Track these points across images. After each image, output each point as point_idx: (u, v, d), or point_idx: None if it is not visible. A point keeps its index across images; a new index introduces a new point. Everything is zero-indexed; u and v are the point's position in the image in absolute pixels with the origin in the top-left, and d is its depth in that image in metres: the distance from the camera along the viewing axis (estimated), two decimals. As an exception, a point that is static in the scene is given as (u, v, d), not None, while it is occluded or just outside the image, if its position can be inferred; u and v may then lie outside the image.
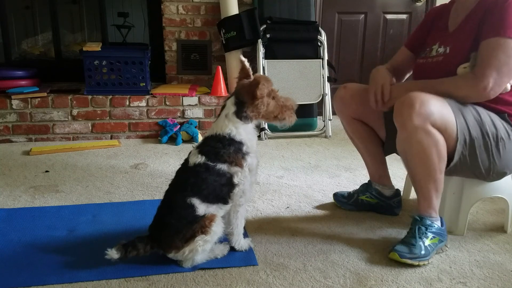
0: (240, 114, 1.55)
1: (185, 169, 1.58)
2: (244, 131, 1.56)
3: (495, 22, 1.54)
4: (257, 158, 1.62)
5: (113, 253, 1.47)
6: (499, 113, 1.64)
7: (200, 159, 1.53)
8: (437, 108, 1.52)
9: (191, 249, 1.49)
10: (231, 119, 1.55)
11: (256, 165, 1.62)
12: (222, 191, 1.54)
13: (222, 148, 1.52)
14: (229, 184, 1.54)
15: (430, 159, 1.56)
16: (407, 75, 1.98)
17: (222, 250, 1.62)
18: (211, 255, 1.58)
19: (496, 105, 1.63)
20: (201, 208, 1.51)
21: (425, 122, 1.51)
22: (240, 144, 1.54)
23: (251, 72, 1.60)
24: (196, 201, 1.50)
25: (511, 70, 1.54)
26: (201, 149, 1.56)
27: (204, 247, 1.50)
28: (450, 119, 1.54)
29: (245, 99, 1.54)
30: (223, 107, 1.60)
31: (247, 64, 1.61)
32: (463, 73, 1.61)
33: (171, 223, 1.50)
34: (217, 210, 1.54)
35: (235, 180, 1.54)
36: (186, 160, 1.59)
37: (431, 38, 1.81)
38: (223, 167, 1.52)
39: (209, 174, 1.51)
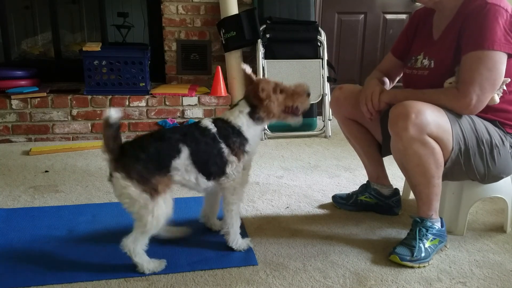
0: (254, 115, 1.60)
1: (194, 125, 1.58)
2: (253, 131, 1.61)
3: (474, 34, 1.52)
4: (251, 160, 1.66)
5: (112, 112, 1.39)
6: (490, 121, 1.64)
7: (212, 128, 1.56)
8: (433, 118, 1.51)
9: (132, 196, 1.41)
10: (245, 116, 1.59)
11: (249, 165, 1.64)
12: (211, 165, 1.54)
13: (231, 134, 1.56)
14: (220, 166, 1.56)
15: (428, 168, 1.55)
16: (398, 78, 1.98)
17: (155, 267, 1.52)
18: (142, 261, 1.50)
19: (486, 114, 1.62)
20: (182, 159, 1.49)
21: (421, 133, 1.50)
22: (245, 140, 1.58)
23: (254, 77, 1.64)
24: (185, 150, 1.49)
25: (493, 85, 1.52)
26: (215, 123, 1.59)
27: (142, 210, 1.42)
28: (446, 129, 1.53)
29: (255, 102, 1.59)
30: (236, 104, 1.64)
31: (248, 70, 1.65)
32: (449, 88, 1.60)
33: (145, 151, 1.45)
34: (192, 177, 1.53)
35: (228, 169, 1.56)
36: (198, 121, 1.61)
37: (416, 45, 1.80)
38: (225, 149, 1.55)
39: (212, 143, 1.53)
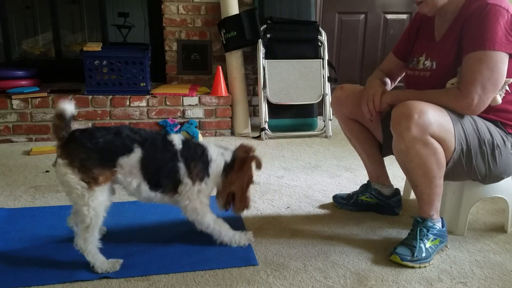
0: (226, 169, 1.63)
1: (162, 135, 1.59)
2: (215, 176, 1.62)
3: (475, 34, 1.51)
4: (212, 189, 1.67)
5: (66, 103, 1.42)
6: (492, 122, 1.63)
7: (178, 144, 1.56)
8: (436, 118, 1.51)
9: (71, 182, 1.42)
10: (222, 161, 1.62)
11: (208, 192, 1.65)
12: (161, 176, 1.54)
13: (198, 158, 1.57)
14: (173, 182, 1.56)
15: (430, 169, 1.55)
16: (399, 78, 1.98)
17: (109, 267, 1.51)
18: (103, 267, 1.50)
19: (488, 114, 1.62)
20: (131, 160, 1.48)
21: (423, 133, 1.50)
22: (207, 173, 1.59)
23: (251, 151, 1.68)
24: (137, 152, 1.49)
25: (495, 85, 1.52)
26: (187, 142, 1.59)
27: (79, 200, 1.43)
28: (448, 129, 1.53)
29: (236, 166, 1.62)
30: (224, 148, 1.68)
31: (249, 144, 1.70)
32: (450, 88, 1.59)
33: (93, 141, 1.44)
34: (134, 182, 1.52)
35: (180, 188, 1.57)
36: (167, 134, 1.63)
37: (418, 46, 1.80)
38: (182, 169, 1.55)
39: (170, 157, 1.53)
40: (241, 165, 1.62)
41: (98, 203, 1.45)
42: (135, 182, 1.52)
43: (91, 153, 1.43)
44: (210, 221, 1.63)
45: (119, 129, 1.51)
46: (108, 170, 1.47)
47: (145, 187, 1.54)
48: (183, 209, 1.61)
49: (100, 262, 1.49)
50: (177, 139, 1.58)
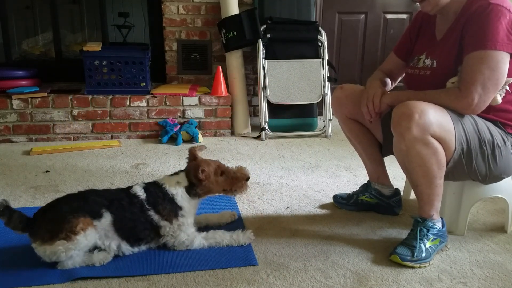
0: (191, 190, 1.63)
1: (124, 192, 1.61)
2: (187, 203, 1.62)
3: (477, 34, 1.51)
4: (193, 219, 1.67)
5: None
6: (492, 122, 1.63)
7: (142, 194, 1.58)
8: (437, 118, 1.50)
9: (52, 250, 1.45)
10: (182, 189, 1.62)
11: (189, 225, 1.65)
12: (139, 231, 1.56)
13: (162, 200, 1.58)
14: (153, 231, 1.58)
15: (430, 169, 1.55)
16: (400, 78, 1.98)
17: (101, 259, 1.54)
18: (88, 262, 1.53)
19: (488, 114, 1.62)
20: (103, 224, 1.50)
21: (424, 133, 1.50)
22: (178, 208, 1.60)
23: (198, 156, 1.68)
24: (107, 217, 1.50)
25: (496, 84, 1.51)
26: (147, 188, 1.61)
27: (67, 254, 1.46)
28: (449, 129, 1.53)
29: (194, 181, 1.61)
30: (176, 173, 1.68)
31: (198, 150, 1.69)
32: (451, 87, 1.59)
33: (60, 211, 1.47)
34: (113, 243, 1.54)
35: (162, 231, 1.59)
36: (130, 187, 1.63)
37: (419, 46, 1.80)
38: (154, 216, 1.57)
39: (139, 212, 1.55)
40: (196, 177, 1.60)
41: (83, 245, 1.48)
42: (114, 243, 1.55)
43: (58, 217, 1.46)
44: (201, 242, 1.65)
45: (83, 195, 1.54)
46: (83, 218, 1.47)
47: (126, 246, 1.57)
48: (171, 247, 1.63)
49: (94, 260, 1.52)
50: (139, 189, 1.60)
